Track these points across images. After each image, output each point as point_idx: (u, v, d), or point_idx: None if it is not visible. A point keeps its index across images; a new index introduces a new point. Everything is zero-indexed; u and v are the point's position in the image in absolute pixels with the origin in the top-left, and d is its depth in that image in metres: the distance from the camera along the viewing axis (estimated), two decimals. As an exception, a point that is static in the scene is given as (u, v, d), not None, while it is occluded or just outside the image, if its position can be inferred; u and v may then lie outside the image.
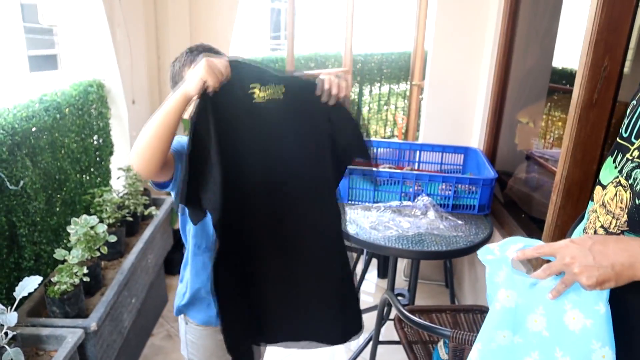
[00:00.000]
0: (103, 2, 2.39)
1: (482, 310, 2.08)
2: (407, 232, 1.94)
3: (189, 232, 1.34)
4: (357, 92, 5.03)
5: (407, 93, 5.42)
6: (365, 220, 2.01)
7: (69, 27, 2.55)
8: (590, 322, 0.93)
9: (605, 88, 1.73)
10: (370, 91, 5.21)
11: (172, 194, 1.26)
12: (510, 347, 1.01)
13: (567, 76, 3.24)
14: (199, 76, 1.01)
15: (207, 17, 3.10)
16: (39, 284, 1.55)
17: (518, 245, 1.03)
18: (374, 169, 2.18)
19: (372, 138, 5.27)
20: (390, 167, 2.46)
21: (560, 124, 2.87)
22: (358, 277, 3.03)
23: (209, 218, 1.13)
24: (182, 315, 1.43)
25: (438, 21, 2.66)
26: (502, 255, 1.03)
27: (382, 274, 3.21)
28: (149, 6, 2.82)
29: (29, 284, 1.52)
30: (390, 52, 5.21)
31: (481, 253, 1.09)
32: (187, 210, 1.12)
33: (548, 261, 1.00)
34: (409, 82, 5.32)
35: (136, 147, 1.07)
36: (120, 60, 2.59)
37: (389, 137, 5.62)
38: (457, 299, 2.82)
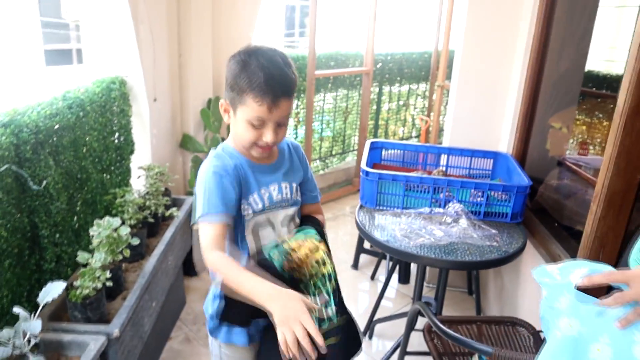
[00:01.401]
0: (127, -3, 2.34)
1: (514, 322, 2.01)
2: (440, 241, 1.87)
3: None
4: (377, 92, 4.95)
5: (427, 94, 5.33)
6: (396, 227, 1.94)
7: (93, 22, 2.50)
8: None
9: (653, 94, 1.65)
10: (390, 91, 5.12)
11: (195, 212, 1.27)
12: None
13: (601, 80, 3.15)
14: (274, 314, 1.02)
15: (229, 14, 3.05)
16: (64, 291, 1.50)
17: (582, 270, 0.96)
18: (405, 173, 2.12)
19: (391, 139, 5.19)
20: (419, 171, 2.39)
21: (597, 129, 2.79)
22: (381, 283, 2.97)
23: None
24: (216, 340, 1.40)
25: (469, 21, 2.58)
26: (565, 280, 0.96)
27: (403, 279, 3.14)
28: (172, 3, 2.77)
29: (52, 290, 1.47)
30: (411, 52, 5.12)
31: (538, 275, 1.03)
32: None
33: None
34: (428, 83, 5.24)
35: (217, 270, 1.17)
36: (143, 57, 2.54)
37: (407, 139, 5.54)
38: (482, 308, 2.74)
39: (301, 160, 1.44)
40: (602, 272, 0.94)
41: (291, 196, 1.37)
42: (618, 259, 1.87)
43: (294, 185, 1.39)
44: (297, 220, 1.42)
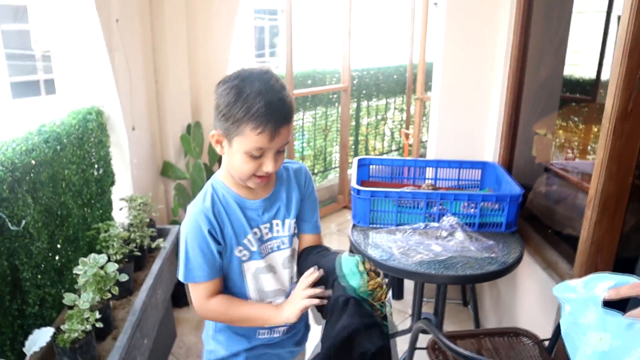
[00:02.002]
0: (101, 25, 2.27)
1: (517, 333, 1.98)
2: (439, 256, 1.84)
3: None
4: (355, 107, 4.95)
5: (404, 107, 5.36)
6: (393, 244, 1.90)
7: (65, 52, 2.42)
8: None
9: (640, 97, 1.66)
10: (368, 106, 5.13)
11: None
12: None
13: (580, 85, 3.20)
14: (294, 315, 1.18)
15: (204, 38, 3.00)
16: (51, 336, 1.41)
17: (607, 283, 0.93)
18: (396, 189, 2.08)
19: (371, 154, 5.19)
20: (410, 186, 2.36)
21: (581, 134, 2.82)
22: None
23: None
24: None
25: (447, 33, 2.59)
26: (590, 293, 0.93)
27: (396, 295, 3.09)
28: (146, 29, 2.72)
29: (40, 337, 1.38)
30: (386, 66, 5.15)
31: (561, 291, 1.00)
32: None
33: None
34: (405, 96, 5.27)
35: (221, 317, 1.26)
36: (119, 85, 2.47)
37: (387, 153, 5.54)
38: (479, 319, 2.70)
39: (300, 185, 1.33)
40: (630, 284, 0.91)
41: (284, 233, 1.28)
42: (615, 263, 1.87)
43: (288, 221, 1.29)
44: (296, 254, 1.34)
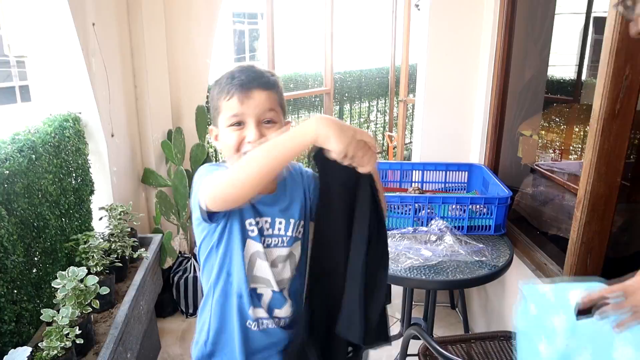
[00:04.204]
0: (77, 30, 2.20)
1: (509, 337, 1.96)
2: (429, 261, 1.81)
3: (213, 268, 1.19)
4: (338, 110, 4.92)
5: (387, 109, 5.35)
6: (382, 250, 1.87)
7: (40, 57, 2.34)
8: None
9: (627, 97, 1.65)
10: (350, 109, 5.11)
11: (204, 225, 1.15)
12: None
13: (562, 86, 3.22)
14: (347, 148, 0.91)
15: (184, 42, 2.93)
16: (28, 356, 1.34)
17: (578, 292, 1.01)
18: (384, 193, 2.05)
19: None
20: (397, 191, 2.34)
21: (556, 133, 2.83)
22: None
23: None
24: None
25: (431, 35, 2.57)
26: (561, 301, 0.99)
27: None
28: (124, 33, 2.64)
29: (16, 357, 1.31)
30: (368, 68, 5.14)
31: (530, 293, 1.05)
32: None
33: None
34: (387, 98, 5.26)
35: (232, 179, 0.99)
36: (96, 91, 2.39)
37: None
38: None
39: (305, 183, 1.25)
40: (600, 289, 1.00)
41: (285, 232, 1.21)
42: (605, 263, 1.87)
43: (293, 221, 1.21)
44: (296, 260, 1.24)
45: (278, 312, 1.23)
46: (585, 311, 0.99)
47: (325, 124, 0.90)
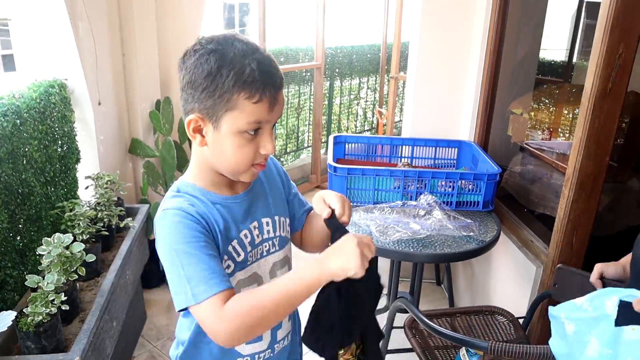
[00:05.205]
0: (63, -8, 2.13)
1: (493, 312, 1.99)
2: (417, 235, 1.82)
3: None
4: (328, 86, 4.88)
5: (377, 86, 5.32)
6: (371, 222, 1.87)
7: (25, 22, 2.27)
8: None
9: (619, 76, 1.66)
10: (341, 85, 5.07)
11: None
12: None
13: (553, 68, 3.22)
14: (348, 268, 0.83)
15: (174, 10, 2.87)
16: (13, 320, 1.33)
17: (613, 299, 0.97)
18: (374, 167, 2.04)
19: (345, 133, 5.14)
20: (385, 164, 2.33)
21: (545, 114, 2.83)
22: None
23: None
24: None
25: (424, 12, 2.54)
26: (599, 312, 0.96)
27: (370, 275, 3.08)
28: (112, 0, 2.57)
29: (0, 321, 1.29)
30: (360, 44, 5.08)
31: (567, 310, 1.02)
32: None
33: None
34: (378, 75, 5.22)
35: (249, 324, 0.84)
36: (83, 57, 2.34)
37: (360, 132, 5.51)
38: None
39: (282, 175, 1.14)
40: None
41: (275, 233, 1.06)
42: (590, 241, 1.89)
43: (278, 218, 1.07)
44: (292, 265, 1.13)
45: (280, 334, 1.09)
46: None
47: (333, 265, 0.84)
